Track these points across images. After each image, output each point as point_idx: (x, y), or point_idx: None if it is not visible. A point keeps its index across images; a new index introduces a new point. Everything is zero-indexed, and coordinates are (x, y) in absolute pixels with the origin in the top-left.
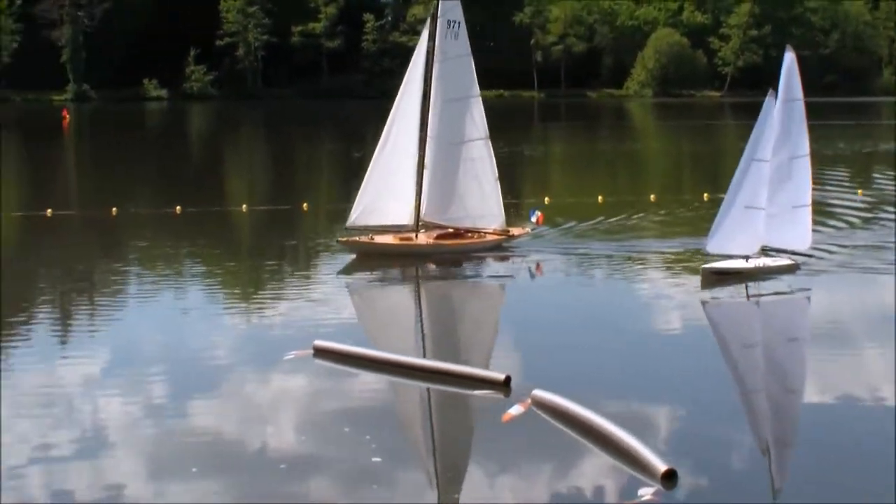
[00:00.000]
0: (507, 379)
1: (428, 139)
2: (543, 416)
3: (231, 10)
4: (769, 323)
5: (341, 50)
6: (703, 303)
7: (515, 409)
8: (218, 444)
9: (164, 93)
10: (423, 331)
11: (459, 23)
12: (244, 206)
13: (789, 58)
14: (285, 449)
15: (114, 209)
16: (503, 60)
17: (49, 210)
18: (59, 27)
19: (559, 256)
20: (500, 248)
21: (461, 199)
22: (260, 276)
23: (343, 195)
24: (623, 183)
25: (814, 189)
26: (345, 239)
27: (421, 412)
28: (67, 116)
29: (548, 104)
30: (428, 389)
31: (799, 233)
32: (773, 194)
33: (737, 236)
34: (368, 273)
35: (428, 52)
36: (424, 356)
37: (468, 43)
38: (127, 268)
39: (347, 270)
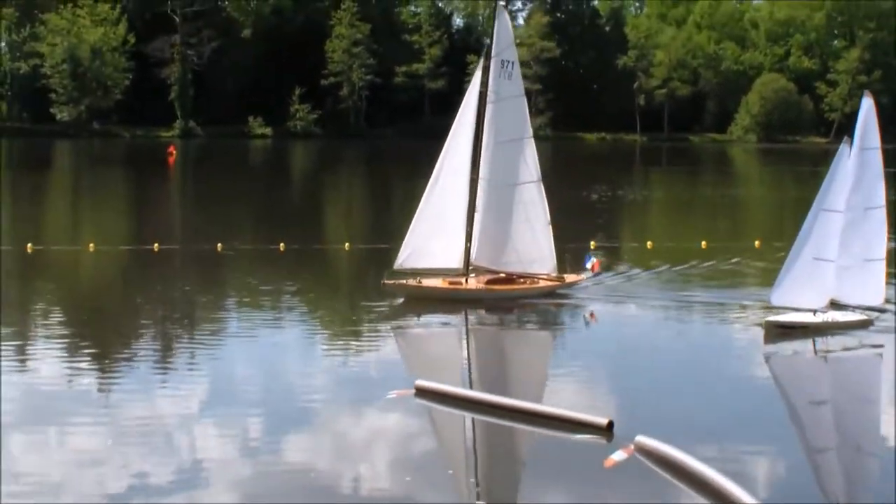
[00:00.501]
0: (610, 424)
1: (480, 181)
2: (646, 462)
3: (336, 50)
4: (837, 380)
5: (444, 90)
6: (767, 357)
7: (618, 455)
8: (317, 480)
9: (268, 130)
10: (509, 375)
11: (513, 63)
12: (346, 244)
13: (867, 104)
14: (387, 488)
15: (219, 245)
16: (606, 104)
17: (156, 245)
18: (169, 66)
19: (612, 304)
20: (554, 294)
21: (512, 242)
22: (360, 315)
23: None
24: (725, 228)
25: (891, 241)
26: (392, 282)
27: (523, 455)
28: (174, 153)
29: (650, 148)
30: (529, 432)
31: (872, 287)
32: (845, 246)
33: (804, 289)
34: (442, 315)
35: (481, 93)
36: (516, 398)
37: (521, 83)
38: (229, 303)
39: (426, 311)
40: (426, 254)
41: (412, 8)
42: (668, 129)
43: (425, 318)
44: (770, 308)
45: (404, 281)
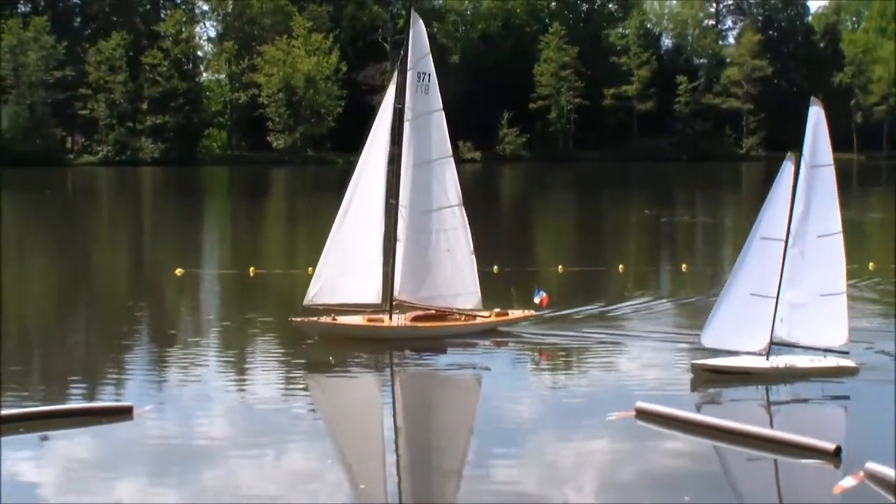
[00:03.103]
0: (838, 449)
1: (399, 208)
2: (877, 489)
3: (544, 74)
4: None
5: (653, 112)
6: (698, 406)
7: (847, 482)
8: None
9: (477, 155)
10: (432, 425)
11: (430, 75)
12: (560, 266)
13: (815, 113)
14: None
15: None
16: None
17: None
18: (380, 93)
19: (567, 341)
20: (496, 332)
21: (432, 275)
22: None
23: (648, 258)
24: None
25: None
26: (301, 319)
27: (750, 479)
28: None
29: (869, 167)
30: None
31: (831, 326)
32: (796, 280)
33: (739, 329)
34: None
35: (397, 109)
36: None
37: (439, 97)
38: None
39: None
40: (339, 289)
41: (620, 30)
42: (887, 146)
43: (340, 360)
44: (707, 350)
45: (316, 319)
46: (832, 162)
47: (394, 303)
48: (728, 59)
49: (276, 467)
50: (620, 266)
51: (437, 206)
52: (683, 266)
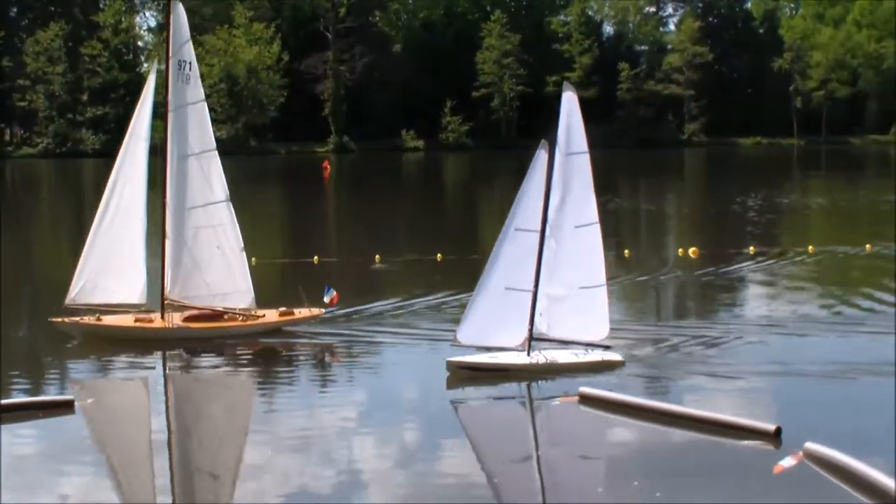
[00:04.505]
0: (778, 430)
1: (167, 203)
2: (816, 468)
3: (487, 62)
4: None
5: (595, 99)
6: (455, 405)
7: (787, 461)
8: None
9: (421, 143)
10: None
11: (191, 63)
12: (439, 255)
13: (568, 99)
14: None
15: (377, 256)
16: (761, 108)
17: (315, 257)
18: (323, 82)
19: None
20: (281, 332)
21: (202, 273)
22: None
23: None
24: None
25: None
26: (59, 319)
27: (690, 461)
28: (329, 168)
29: (808, 151)
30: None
31: (592, 319)
32: (555, 273)
33: (495, 324)
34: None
35: (158, 101)
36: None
37: (201, 86)
38: (383, 312)
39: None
40: (101, 288)
41: (562, 17)
42: (826, 131)
43: (107, 363)
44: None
45: (78, 319)
46: (587, 149)
47: (164, 302)
48: (669, 46)
49: None
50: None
51: (204, 202)
52: None
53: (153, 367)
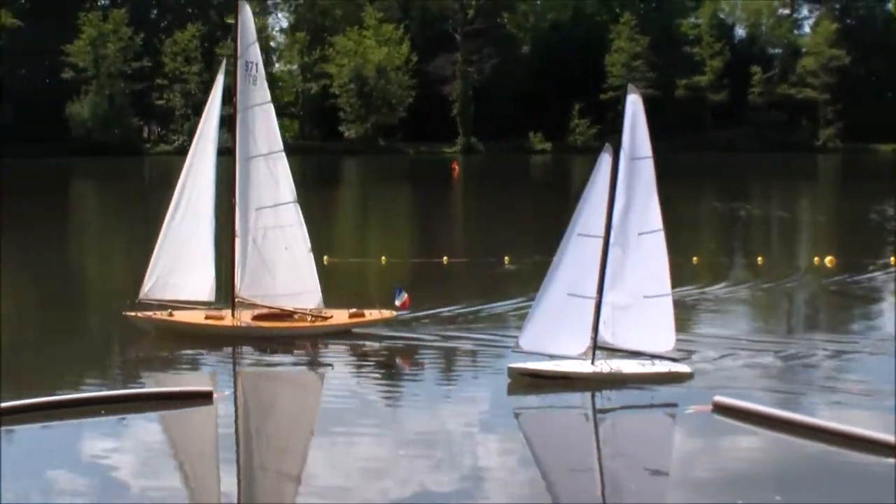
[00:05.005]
0: None
1: (237, 203)
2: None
3: (616, 64)
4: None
5: (726, 103)
6: (517, 413)
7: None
8: None
9: (548, 146)
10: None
11: (257, 65)
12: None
13: (633, 102)
14: None
15: (506, 258)
16: None
17: (445, 258)
18: (451, 83)
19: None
20: (350, 333)
21: (271, 273)
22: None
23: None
24: None
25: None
26: (134, 314)
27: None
28: (457, 168)
29: None
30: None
31: (657, 330)
32: (619, 280)
33: (557, 331)
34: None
35: (230, 102)
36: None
37: (267, 88)
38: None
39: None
40: (172, 285)
41: (693, 20)
42: None
43: (177, 359)
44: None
45: (151, 314)
46: (651, 154)
47: (235, 300)
48: (804, 49)
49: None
50: (695, 258)
51: (273, 203)
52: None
53: (284, 364)
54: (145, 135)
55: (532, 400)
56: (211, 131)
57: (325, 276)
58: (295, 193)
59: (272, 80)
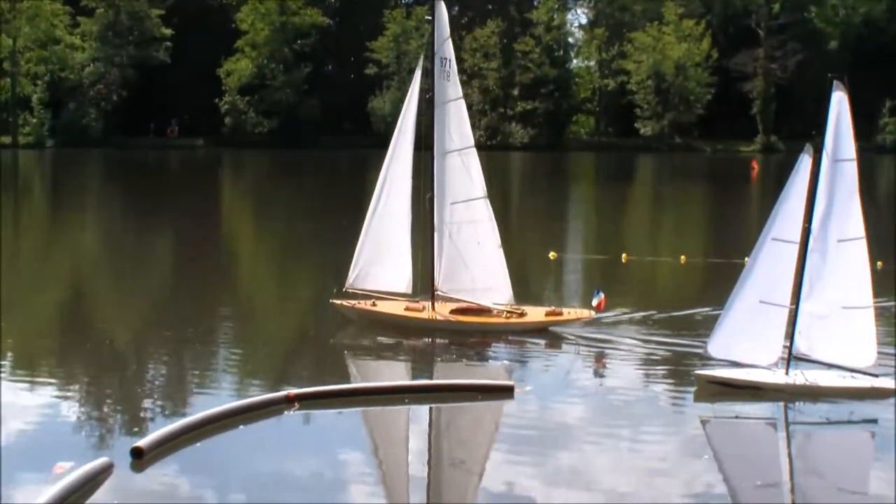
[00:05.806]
0: None
1: (435, 198)
2: None
3: None
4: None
5: None
6: (703, 421)
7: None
8: None
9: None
10: None
11: (450, 61)
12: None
13: (838, 99)
14: None
15: None
16: None
17: (746, 259)
18: (752, 80)
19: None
20: (545, 332)
21: (466, 268)
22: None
23: None
24: None
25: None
26: (340, 302)
27: None
28: (756, 168)
29: None
30: None
31: (856, 343)
32: (816, 289)
33: (747, 339)
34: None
35: (425, 97)
36: None
37: (459, 84)
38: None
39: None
40: (373, 276)
41: None
42: None
43: (379, 346)
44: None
45: (355, 303)
46: (855, 156)
47: (434, 293)
48: None
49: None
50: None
51: (466, 198)
52: None
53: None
54: None
55: (719, 408)
56: (409, 126)
57: (623, 273)
58: (485, 189)
59: (569, 76)
